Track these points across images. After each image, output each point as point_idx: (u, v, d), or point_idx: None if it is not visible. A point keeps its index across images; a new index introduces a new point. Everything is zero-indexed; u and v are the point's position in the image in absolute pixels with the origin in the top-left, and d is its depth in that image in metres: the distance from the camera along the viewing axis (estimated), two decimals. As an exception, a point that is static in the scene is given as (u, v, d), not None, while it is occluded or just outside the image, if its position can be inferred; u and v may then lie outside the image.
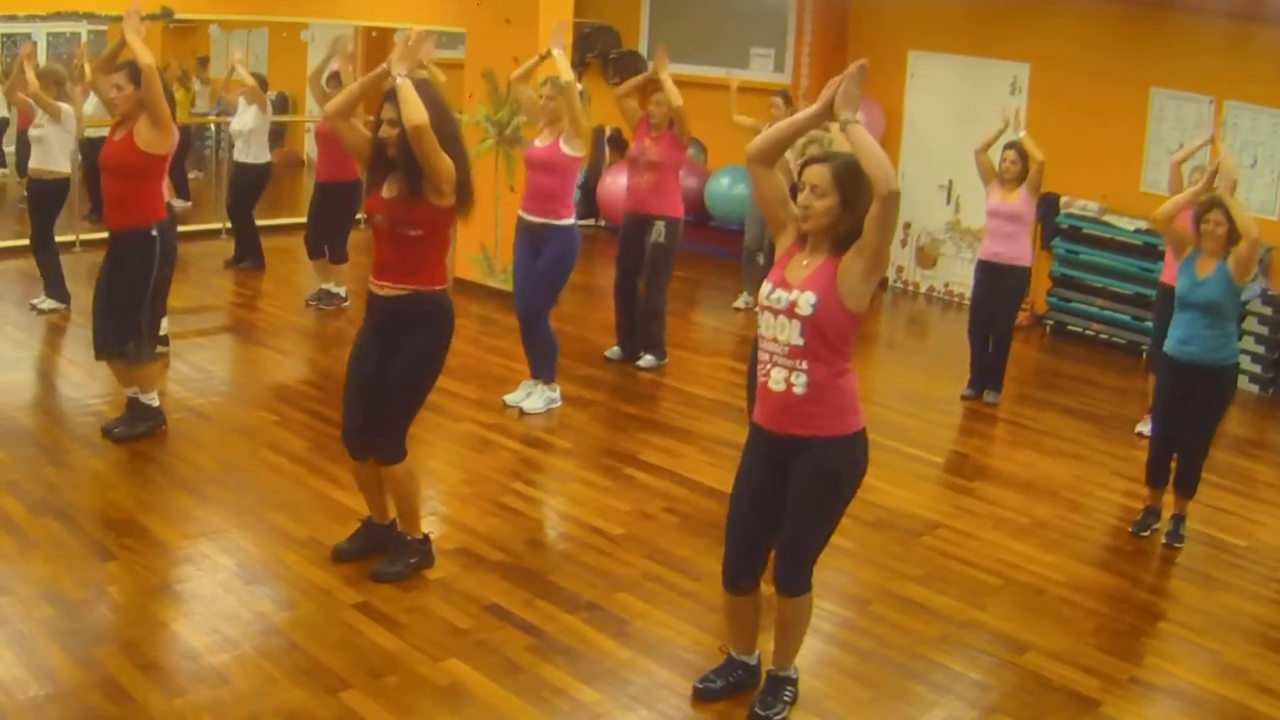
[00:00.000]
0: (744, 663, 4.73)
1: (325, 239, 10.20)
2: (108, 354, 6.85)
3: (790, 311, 4.15)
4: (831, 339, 4.15)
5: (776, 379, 4.23)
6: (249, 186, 11.18)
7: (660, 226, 8.82)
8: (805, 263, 4.23)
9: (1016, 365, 9.38)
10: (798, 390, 4.19)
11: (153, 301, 6.96)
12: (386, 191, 5.14)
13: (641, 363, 9.12)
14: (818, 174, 4.15)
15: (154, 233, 6.66)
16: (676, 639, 5.12)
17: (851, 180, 4.10)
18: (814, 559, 4.42)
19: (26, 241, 9.67)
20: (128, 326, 6.73)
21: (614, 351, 9.28)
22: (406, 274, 5.18)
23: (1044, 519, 6.79)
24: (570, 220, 7.79)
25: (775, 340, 4.23)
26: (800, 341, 4.16)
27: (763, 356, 4.29)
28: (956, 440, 8.28)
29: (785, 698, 4.57)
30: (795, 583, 4.40)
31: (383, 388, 5.28)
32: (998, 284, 8.68)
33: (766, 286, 4.27)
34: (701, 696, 4.67)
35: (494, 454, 7.15)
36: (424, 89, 5.04)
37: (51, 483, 6.19)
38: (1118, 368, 10.40)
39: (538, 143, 7.74)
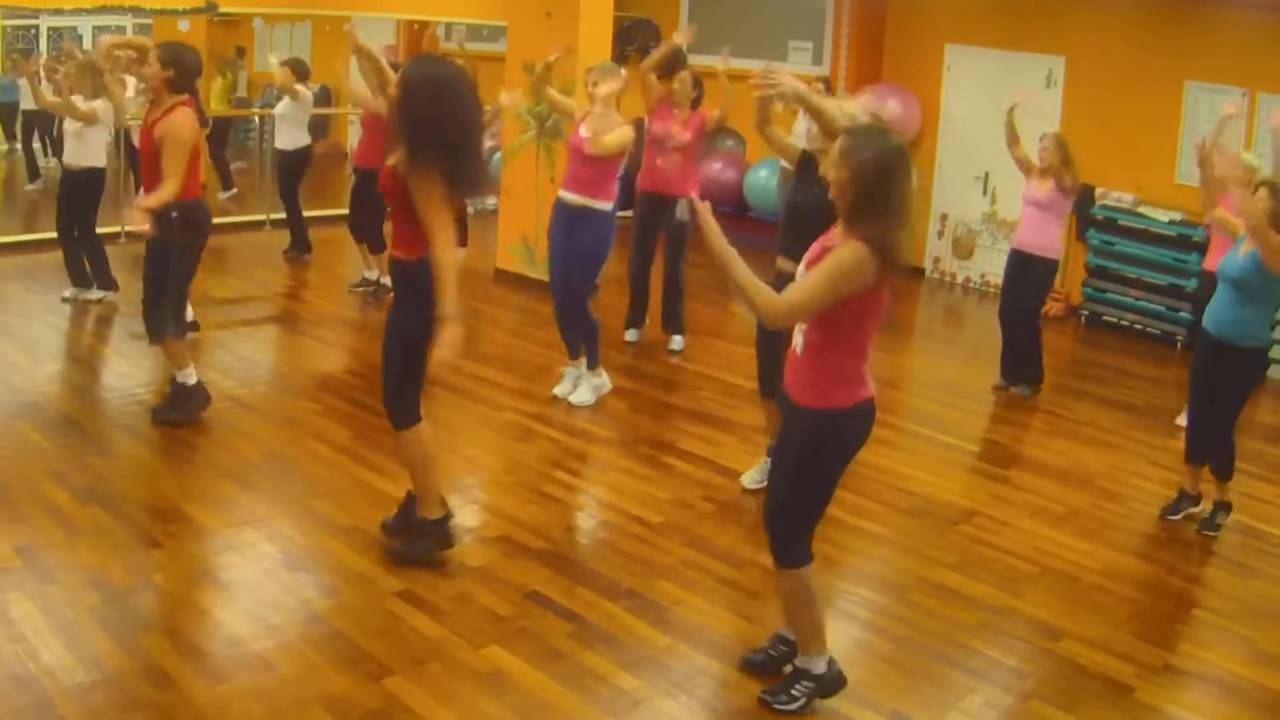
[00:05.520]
0: (785, 635, 4.75)
1: (363, 224, 10.28)
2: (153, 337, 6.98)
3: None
4: (824, 313, 4.11)
5: (796, 339, 4.29)
6: (288, 171, 11.35)
7: (685, 204, 8.78)
8: (835, 233, 4.25)
9: (1052, 355, 9.36)
10: (798, 351, 4.26)
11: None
12: (392, 159, 5.14)
13: (673, 345, 9.15)
14: (835, 146, 4.19)
15: (175, 213, 6.61)
16: (715, 625, 5.14)
17: (855, 148, 4.09)
18: (791, 531, 4.39)
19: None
20: (172, 306, 6.82)
21: (633, 334, 9.31)
22: (404, 241, 5.22)
23: (1079, 507, 6.79)
24: (610, 205, 7.74)
25: None
26: None
27: None
28: (992, 429, 8.27)
29: (795, 691, 4.53)
30: (774, 551, 4.42)
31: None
32: (1023, 273, 8.64)
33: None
34: (747, 669, 4.73)
35: (535, 443, 7.18)
36: (455, 74, 5.13)
37: (97, 471, 6.24)
38: (1153, 358, 10.38)
39: (583, 131, 7.63)
